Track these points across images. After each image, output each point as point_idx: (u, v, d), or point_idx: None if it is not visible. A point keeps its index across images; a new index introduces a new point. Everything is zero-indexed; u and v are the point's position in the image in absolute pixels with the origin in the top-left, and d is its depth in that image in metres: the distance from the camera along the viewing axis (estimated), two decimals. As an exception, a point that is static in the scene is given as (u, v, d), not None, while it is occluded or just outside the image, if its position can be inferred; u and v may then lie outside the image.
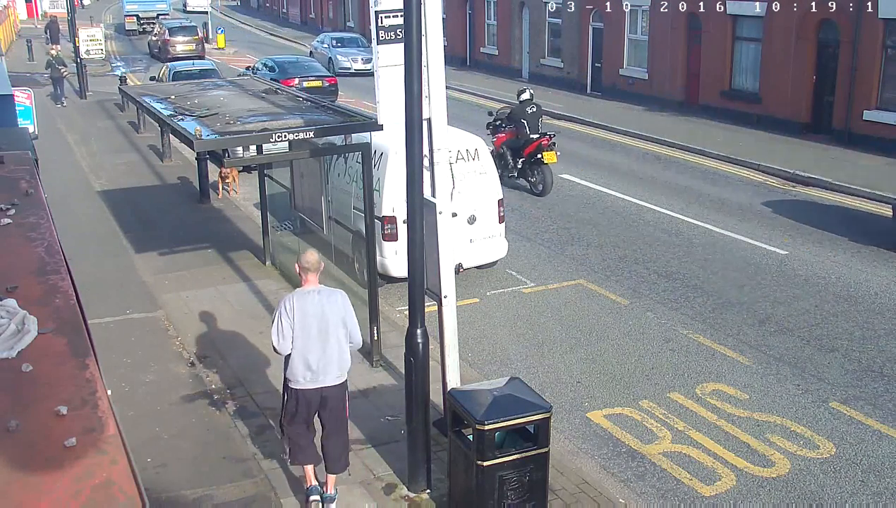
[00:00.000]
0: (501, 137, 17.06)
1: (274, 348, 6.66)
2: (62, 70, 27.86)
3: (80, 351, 2.64)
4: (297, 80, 25.01)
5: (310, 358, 6.55)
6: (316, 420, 6.84)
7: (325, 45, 37.11)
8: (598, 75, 29.27)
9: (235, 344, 10.06)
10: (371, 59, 25.94)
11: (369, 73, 26.64)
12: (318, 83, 25.99)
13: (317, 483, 6.90)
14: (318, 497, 6.85)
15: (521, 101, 17.00)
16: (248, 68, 28.40)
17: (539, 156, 16.16)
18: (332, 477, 6.89)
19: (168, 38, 38.12)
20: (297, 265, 6.81)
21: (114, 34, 55.30)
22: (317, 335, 6.55)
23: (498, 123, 17.39)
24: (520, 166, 16.58)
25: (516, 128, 16.76)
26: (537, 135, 16.37)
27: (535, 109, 16.70)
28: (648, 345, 10.21)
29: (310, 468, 6.90)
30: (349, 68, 34.64)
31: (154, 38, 40.62)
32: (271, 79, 21.56)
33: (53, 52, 29.46)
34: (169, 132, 14.99)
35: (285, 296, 6.74)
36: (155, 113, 10.63)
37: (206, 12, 58.62)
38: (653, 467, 7.76)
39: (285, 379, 6.75)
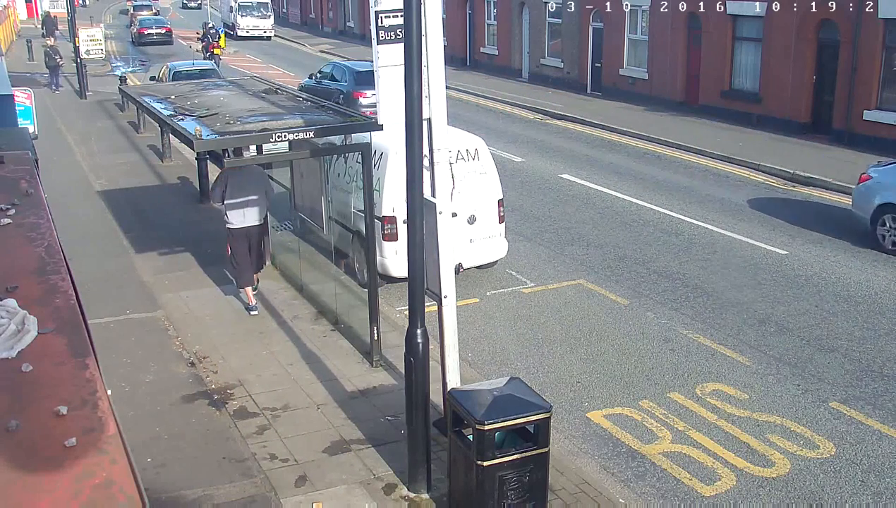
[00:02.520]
0: (202, 43, 35.97)
1: (210, 199, 11.61)
2: (58, 60, 30.78)
3: (80, 351, 2.64)
4: (149, 29, 45.52)
5: (238, 209, 10.58)
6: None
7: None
8: (598, 75, 29.26)
9: (235, 344, 10.06)
10: None
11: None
12: (161, 30, 45.65)
13: (254, 303, 10.85)
14: (256, 312, 10.79)
15: (208, 28, 36.13)
16: (129, 17, 50.18)
17: (213, 51, 34.39)
18: (257, 275, 11.21)
19: (133, 12, 54.00)
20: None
21: (115, 22, 55.94)
22: (244, 194, 10.52)
23: (200, 38, 36.89)
24: (209, 56, 33.71)
25: (208, 40, 35.25)
26: (214, 42, 35.02)
27: (214, 31, 35.97)
28: (648, 345, 10.21)
29: (249, 289, 10.86)
30: None
31: (129, 13, 56.82)
32: (137, 31, 45.67)
33: (49, 42, 33.62)
34: (169, 132, 15.00)
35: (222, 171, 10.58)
36: (155, 113, 10.63)
37: (269, 38, 49.38)
38: (653, 467, 7.76)
39: (227, 226, 10.77)
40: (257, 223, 10.74)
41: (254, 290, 10.95)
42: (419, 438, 7.05)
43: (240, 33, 48.42)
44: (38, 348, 2.63)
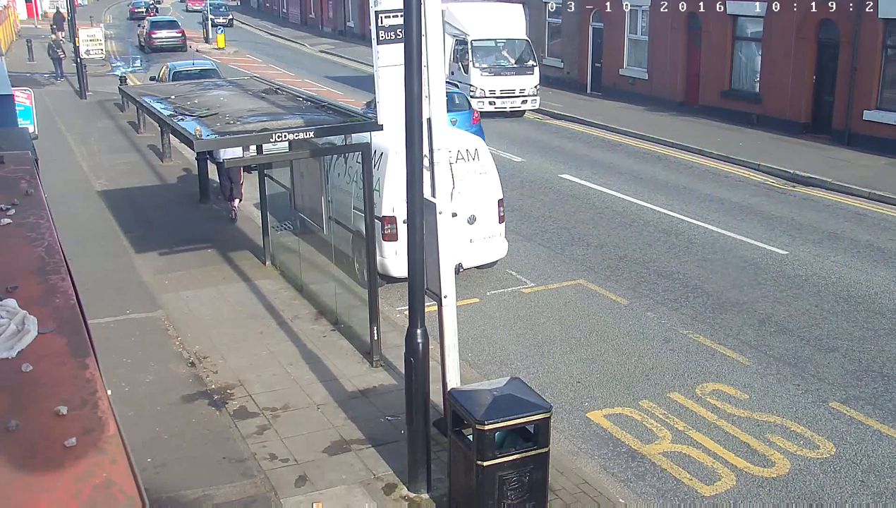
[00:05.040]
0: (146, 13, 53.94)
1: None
2: (59, 53, 33.19)
3: (80, 351, 2.64)
4: (138, 8, 61.71)
5: (221, 154, 14.43)
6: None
7: None
8: (598, 75, 29.27)
9: (235, 344, 10.06)
10: None
11: None
12: (144, 9, 60.49)
13: (233, 207, 15.23)
14: (232, 216, 15.12)
15: (148, 5, 55.89)
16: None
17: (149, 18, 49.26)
18: (235, 201, 15.25)
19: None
20: None
21: (115, 22, 56.03)
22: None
23: (145, 11, 54.40)
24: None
25: (146, 12, 49.60)
26: (151, 12, 53.50)
27: (152, 5, 58.57)
28: (648, 345, 10.21)
29: (230, 204, 15.27)
30: None
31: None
32: (131, 9, 63.79)
33: (54, 36, 36.28)
34: (169, 132, 15.01)
35: None
36: (155, 113, 10.63)
37: (522, 113, 24.93)
38: (653, 467, 7.76)
39: (217, 162, 15.23)
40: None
41: (233, 216, 15.16)
42: (419, 438, 7.05)
43: (486, 109, 24.64)
44: (38, 348, 2.63)
